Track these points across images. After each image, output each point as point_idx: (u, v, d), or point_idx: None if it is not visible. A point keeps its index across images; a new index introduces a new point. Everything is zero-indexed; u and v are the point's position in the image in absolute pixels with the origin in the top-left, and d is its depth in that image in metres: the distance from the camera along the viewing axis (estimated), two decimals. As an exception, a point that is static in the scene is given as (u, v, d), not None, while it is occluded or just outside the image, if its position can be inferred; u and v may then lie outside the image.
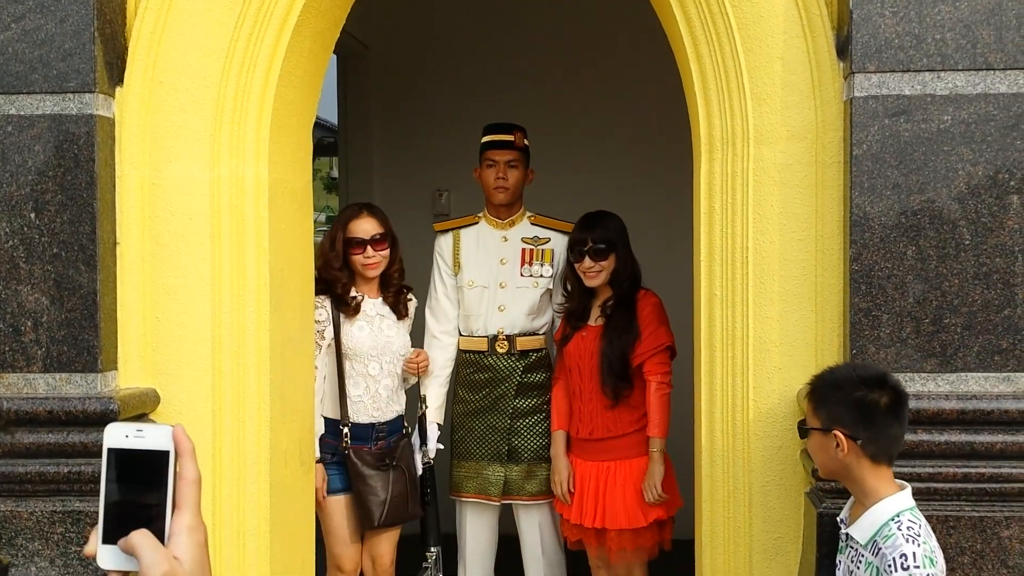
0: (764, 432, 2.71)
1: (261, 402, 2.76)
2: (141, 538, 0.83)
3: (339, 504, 3.60)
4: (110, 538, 0.86)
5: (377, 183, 5.68)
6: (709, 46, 2.71)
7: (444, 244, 3.97)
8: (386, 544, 3.70)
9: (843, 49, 2.61)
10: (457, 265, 3.93)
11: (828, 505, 2.52)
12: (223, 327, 2.71)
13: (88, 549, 0.87)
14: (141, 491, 0.87)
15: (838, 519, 2.40)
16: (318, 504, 3.48)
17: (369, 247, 3.59)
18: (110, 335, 2.61)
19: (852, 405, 2.25)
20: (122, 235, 2.65)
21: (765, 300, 2.69)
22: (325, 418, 3.57)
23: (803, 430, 2.41)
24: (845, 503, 2.41)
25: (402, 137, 5.66)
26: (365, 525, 3.61)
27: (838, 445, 2.24)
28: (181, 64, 2.66)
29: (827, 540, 2.48)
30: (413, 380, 3.81)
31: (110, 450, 0.89)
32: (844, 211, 2.61)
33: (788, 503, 2.71)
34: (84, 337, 2.55)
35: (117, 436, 0.89)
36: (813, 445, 2.36)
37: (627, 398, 3.64)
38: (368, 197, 5.14)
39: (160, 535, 0.85)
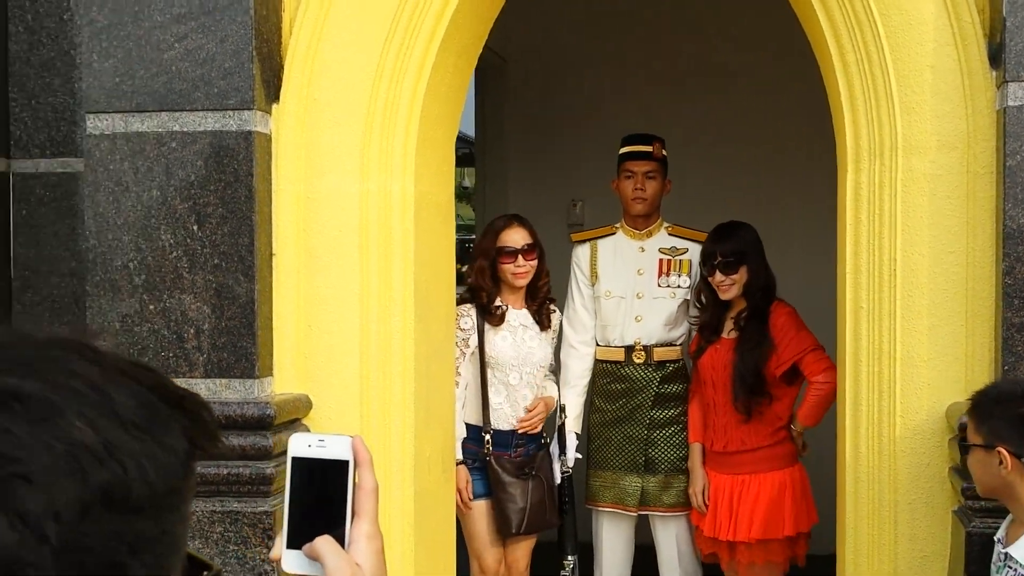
0: (911, 449, 2.61)
1: (406, 410, 2.81)
2: (325, 544, 0.86)
3: (480, 508, 3.64)
4: (294, 543, 0.89)
5: (512, 193, 5.73)
6: (856, 54, 2.63)
7: (581, 254, 3.97)
8: (522, 551, 3.73)
9: (995, 57, 2.50)
10: (594, 275, 3.92)
11: (978, 524, 2.42)
12: (370, 336, 2.78)
13: (274, 553, 0.90)
14: (322, 499, 0.90)
15: (995, 538, 2.30)
16: (460, 507, 3.53)
17: (520, 257, 3.62)
18: (266, 343, 2.71)
19: (1017, 421, 2.17)
20: (278, 247, 2.74)
21: (914, 314, 2.60)
22: (467, 424, 3.62)
23: (964, 447, 2.32)
24: (996, 522, 2.32)
25: (537, 148, 5.69)
26: (503, 531, 3.64)
27: (1001, 463, 2.16)
28: (333, 81, 2.73)
29: (976, 559, 2.38)
30: (552, 381, 3.83)
31: (294, 459, 0.91)
32: (996, 223, 2.51)
33: (935, 521, 2.61)
34: (242, 344, 2.65)
35: (300, 446, 0.92)
36: (974, 462, 2.27)
37: (761, 413, 3.58)
38: (503, 207, 5.19)
39: (340, 542, 0.88)
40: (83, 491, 0.52)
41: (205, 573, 0.66)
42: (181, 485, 0.59)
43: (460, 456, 3.51)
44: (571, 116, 5.59)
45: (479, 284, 3.63)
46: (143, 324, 2.66)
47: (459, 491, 3.48)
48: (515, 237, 3.65)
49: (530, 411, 3.64)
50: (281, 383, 2.75)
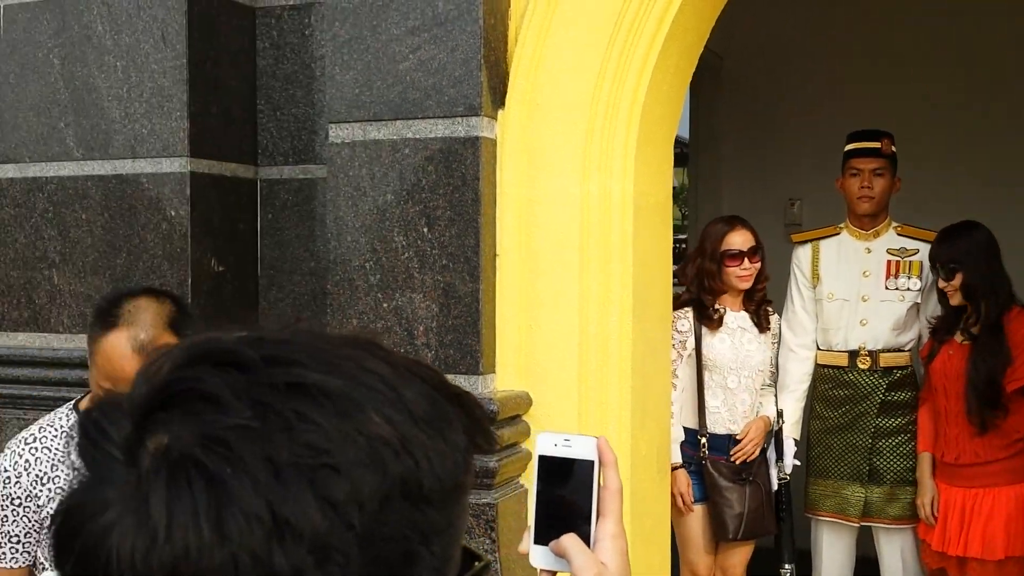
0: None
1: (622, 409, 2.81)
2: (572, 542, 0.87)
3: (695, 513, 3.60)
4: (541, 539, 0.91)
5: (727, 192, 5.62)
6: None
7: (802, 255, 3.85)
8: (738, 557, 3.65)
9: None
10: (816, 277, 3.79)
11: None
12: (589, 336, 2.80)
13: (522, 547, 0.92)
14: (568, 497, 0.92)
15: None
16: (675, 510, 3.50)
17: (745, 259, 3.55)
18: (489, 341, 2.78)
19: None
20: (501, 248, 2.81)
21: None
22: (684, 428, 3.59)
23: None
24: None
25: (753, 146, 5.55)
26: (719, 536, 3.58)
27: None
28: (555, 86, 2.77)
29: None
30: (770, 395, 3.73)
31: (541, 457, 0.94)
32: None
33: None
34: (468, 342, 2.73)
35: (547, 444, 0.94)
36: None
37: (997, 425, 3.35)
38: (717, 207, 5.10)
39: (585, 540, 0.89)
40: (383, 482, 0.55)
41: (476, 564, 0.68)
42: (464, 480, 0.61)
43: (679, 460, 3.48)
44: (789, 113, 5.42)
45: (698, 286, 3.58)
46: (377, 321, 2.79)
47: (680, 495, 3.45)
48: (740, 239, 3.57)
49: (744, 438, 3.55)
50: (503, 380, 2.81)
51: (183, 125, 3.50)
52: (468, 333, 2.73)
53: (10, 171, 3.69)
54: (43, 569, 1.86)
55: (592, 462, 0.92)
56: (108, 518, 0.53)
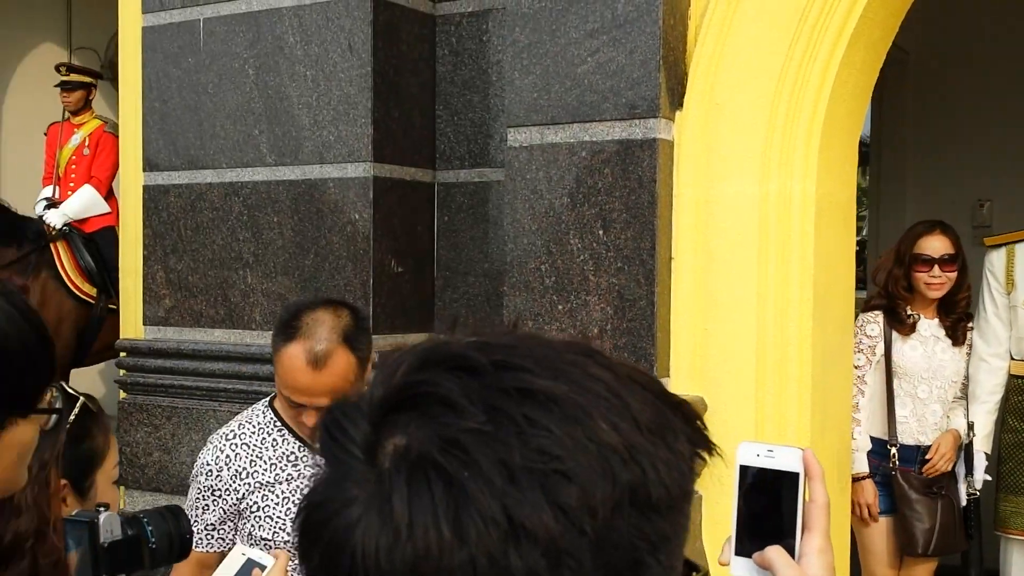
0: None
1: (802, 416, 2.72)
2: (777, 555, 0.84)
3: (882, 525, 3.43)
4: (742, 550, 0.89)
5: (911, 192, 5.36)
6: None
7: (996, 260, 3.62)
8: (923, 573, 3.47)
9: None
10: (1011, 283, 3.55)
11: None
12: (767, 340, 2.72)
13: (722, 558, 0.90)
14: (771, 508, 0.89)
15: None
16: (856, 520, 3.36)
17: (936, 267, 3.37)
18: (664, 344, 2.74)
19: None
20: (677, 251, 2.77)
21: None
22: (871, 437, 3.44)
23: None
24: None
25: (939, 144, 5.27)
26: (906, 550, 3.41)
27: None
28: (736, 86, 2.71)
29: None
30: (961, 407, 3.52)
31: (742, 467, 0.91)
32: None
33: None
34: (642, 345, 2.70)
35: (748, 454, 0.91)
36: None
37: None
38: (900, 207, 4.87)
39: (790, 553, 0.86)
40: (613, 490, 0.55)
41: (694, 574, 0.67)
42: (689, 489, 0.60)
43: (865, 469, 3.33)
44: (979, 108, 5.11)
45: (890, 290, 3.42)
46: (552, 323, 2.80)
47: (866, 506, 3.31)
48: (935, 245, 3.38)
49: (935, 454, 3.37)
50: (678, 384, 2.77)
51: (367, 131, 3.62)
52: (643, 336, 2.70)
53: (209, 176, 3.91)
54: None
55: (797, 474, 0.89)
56: (352, 515, 0.55)
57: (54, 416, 1.01)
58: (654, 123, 2.68)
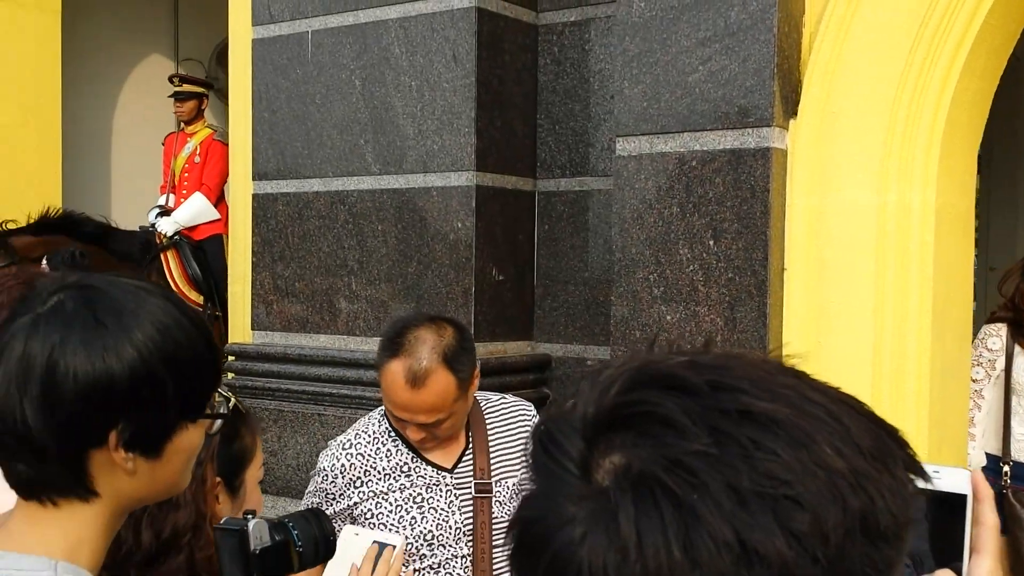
0: None
1: (919, 431, 2.63)
2: None
3: (993, 545, 3.30)
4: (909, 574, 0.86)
5: (1022, 200, 5.17)
6: None
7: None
8: (1037, 596, 3.33)
9: None
10: None
11: None
12: (884, 353, 2.63)
13: None
14: (938, 531, 0.86)
15: None
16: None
17: None
18: (776, 357, 2.68)
19: None
20: (789, 261, 2.70)
21: None
22: (986, 453, 3.32)
23: None
24: None
25: (1053, 152, 5.08)
26: (1015, 572, 3.28)
27: None
28: (852, 94, 2.64)
29: None
30: None
31: None
32: None
33: None
34: (754, 356, 2.64)
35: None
36: None
37: None
38: (1013, 215, 4.70)
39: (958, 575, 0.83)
40: (843, 516, 0.53)
41: None
42: (910, 516, 0.58)
43: None
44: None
45: (1017, 303, 3.29)
46: (660, 334, 2.76)
47: None
48: None
49: None
50: (790, 397, 2.70)
51: (471, 140, 3.64)
52: (754, 348, 2.64)
53: (316, 185, 3.97)
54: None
55: (964, 496, 0.85)
56: (575, 532, 0.54)
57: (219, 420, 1.03)
58: (767, 132, 2.62)
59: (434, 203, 3.71)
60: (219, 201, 5.22)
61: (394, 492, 2.02)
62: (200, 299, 5.10)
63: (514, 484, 1.94)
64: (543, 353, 3.82)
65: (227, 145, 5.32)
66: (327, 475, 2.11)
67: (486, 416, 1.96)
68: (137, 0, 6.43)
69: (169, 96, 5.34)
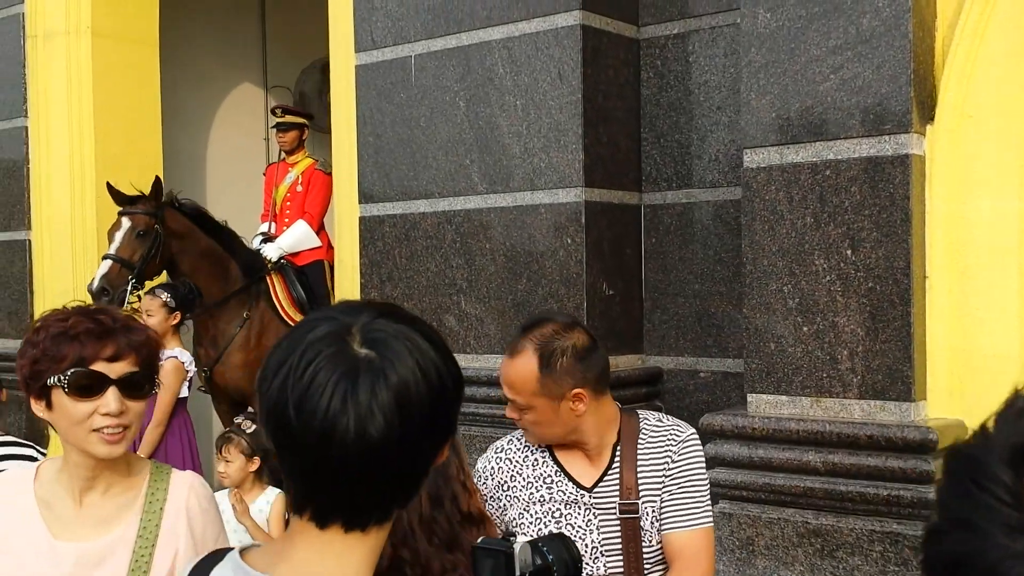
0: None
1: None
2: None
3: None
4: None
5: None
6: None
7: None
8: None
9: None
10: None
11: None
12: (1030, 360, 2.54)
13: None
14: None
15: None
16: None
17: None
18: (921, 366, 2.59)
19: None
20: (931, 268, 2.62)
21: None
22: None
23: None
24: None
25: None
26: None
27: None
28: (990, 97, 2.55)
29: None
30: None
31: None
32: None
33: None
34: (898, 368, 2.56)
35: None
36: None
37: None
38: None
39: None
40: None
41: None
42: None
43: None
44: None
45: None
46: (797, 346, 2.69)
47: None
48: None
49: None
50: (935, 407, 2.61)
51: (578, 157, 3.60)
52: (899, 358, 2.56)
53: (422, 206, 3.96)
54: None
55: None
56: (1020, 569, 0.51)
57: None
58: (905, 138, 2.54)
59: (542, 220, 3.68)
60: (320, 229, 5.25)
61: (535, 504, 1.98)
62: (301, 321, 5.14)
63: (654, 508, 1.87)
64: (654, 366, 3.77)
65: (329, 175, 5.34)
66: (480, 476, 2.07)
67: (640, 436, 1.90)
68: (227, 30, 6.52)
69: (272, 127, 5.39)
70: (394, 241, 4.05)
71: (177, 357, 4.21)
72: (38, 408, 1.50)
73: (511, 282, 3.76)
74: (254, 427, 3.62)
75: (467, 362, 3.85)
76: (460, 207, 3.87)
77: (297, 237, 5.18)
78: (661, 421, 1.91)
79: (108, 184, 4.57)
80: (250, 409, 3.93)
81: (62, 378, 1.45)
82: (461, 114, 3.85)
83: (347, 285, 4.22)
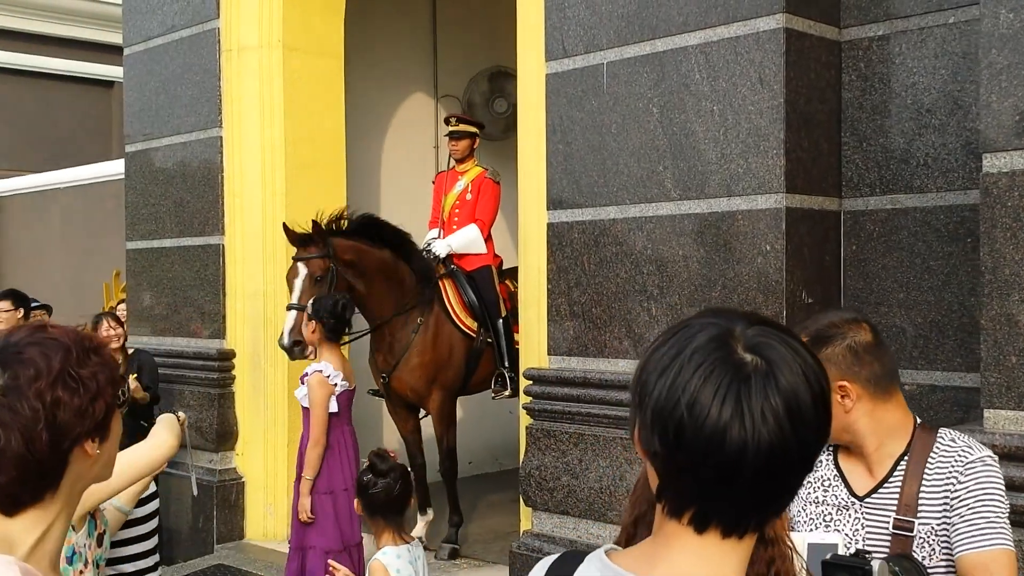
0: None
1: None
2: None
3: None
4: None
5: None
6: None
7: None
8: None
9: None
10: None
11: None
12: None
13: None
14: None
15: None
16: None
17: None
18: None
19: None
20: None
21: None
22: None
23: None
24: None
25: None
26: None
27: None
28: None
29: None
30: None
31: None
32: None
33: None
34: None
35: None
36: None
37: None
38: None
39: None
40: None
41: None
42: None
43: None
44: None
45: None
46: (1044, 360, 2.52)
47: None
48: None
49: None
50: None
51: (779, 162, 3.48)
52: None
53: (612, 213, 3.91)
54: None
55: None
56: None
57: None
58: None
59: (739, 226, 3.58)
60: (487, 238, 5.29)
61: (811, 504, 1.90)
62: (475, 325, 5.16)
63: (930, 530, 1.75)
64: (854, 377, 3.60)
65: (498, 184, 5.37)
66: None
67: (932, 453, 1.79)
68: (400, 42, 6.64)
69: (444, 135, 5.45)
70: (582, 247, 4.01)
71: (321, 371, 4.05)
72: None
73: (704, 289, 3.67)
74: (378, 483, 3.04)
75: (659, 369, 3.78)
76: (652, 213, 3.81)
77: (467, 239, 5.22)
78: (955, 441, 1.79)
79: (284, 225, 4.63)
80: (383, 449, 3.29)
81: None
82: (654, 120, 3.79)
83: (533, 290, 4.21)
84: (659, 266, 3.79)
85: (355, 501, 2.95)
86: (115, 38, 8.83)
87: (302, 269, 4.52)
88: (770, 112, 3.50)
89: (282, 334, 4.45)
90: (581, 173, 4.01)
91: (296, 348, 4.37)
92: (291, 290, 4.54)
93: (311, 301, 4.25)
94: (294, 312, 4.43)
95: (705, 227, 3.66)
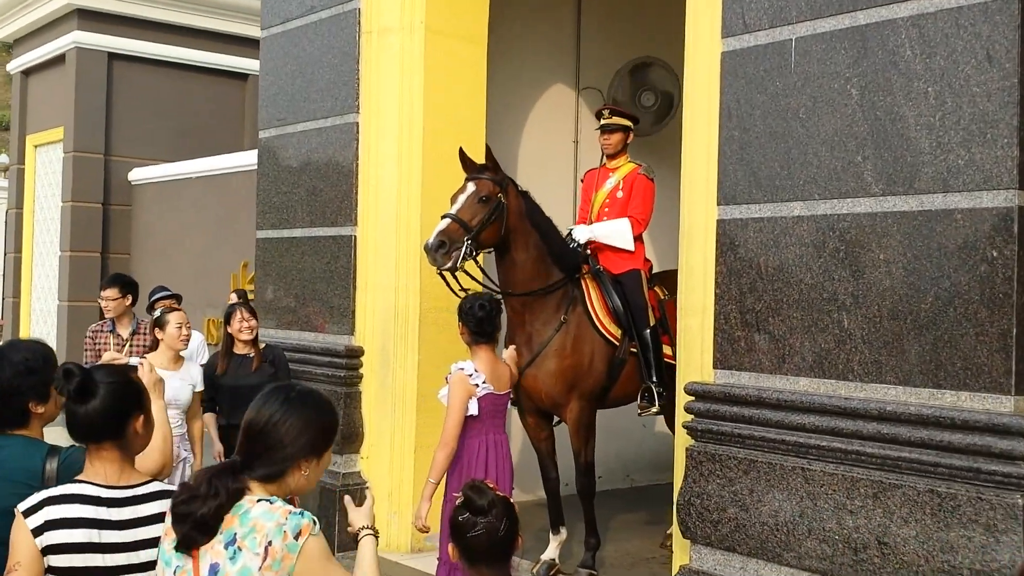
0: None
1: None
2: None
3: None
4: None
5: None
6: None
7: None
8: None
9: None
10: None
11: None
12: None
13: None
14: None
15: None
16: None
17: None
18: None
19: None
20: None
21: None
22: None
23: None
24: None
25: None
26: None
27: None
28: None
29: None
30: None
31: None
32: None
33: None
34: None
35: None
36: None
37: None
38: None
39: None
40: None
41: None
42: None
43: None
44: None
45: None
46: None
47: None
48: None
49: None
50: None
51: (1011, 153, 2.89)
52: None
53: (797, 209, 3.37)
54: None
55: None
56: None
57: None
58: None
59: (958, 227, 3.00)
60: (637, 239, 4.76)
61: None
62: (618, 332, 4.65)
63: None
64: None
65: (653, 180, 4.85)
66: None
67: None
68: (543, 30, 6.21)
69: (596, 128, 4.96)
70: (759, 248, 3.48)
71: (463, 369, 3.72)
72: None
73: (912, 300, 3.10)
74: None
75: (848, 391, 3.22)
76: (847, 210, 3.26)
77: (613, 230, 4.72)
78: None
79: (460, 150, 4.36)
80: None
81: None
82: (853, 104, 3.24)
83: (697, 295, 3.70)
84: (854, 271, 3.23)
85: (449, 547, 2.21)
86: (251, 30, 8.70)
87: (470, 186, 4.24)
88: (1000, 94, 2.92)
89: (429, 237, 4.11)
90: (760, 164, 3.48)
91: (440, 251, 4.05)
92: (452, 203, 4.23)
93: (459, 304, 3.89)
94: (448, 219, 4.14)
95: (914, 227, 3.10)
